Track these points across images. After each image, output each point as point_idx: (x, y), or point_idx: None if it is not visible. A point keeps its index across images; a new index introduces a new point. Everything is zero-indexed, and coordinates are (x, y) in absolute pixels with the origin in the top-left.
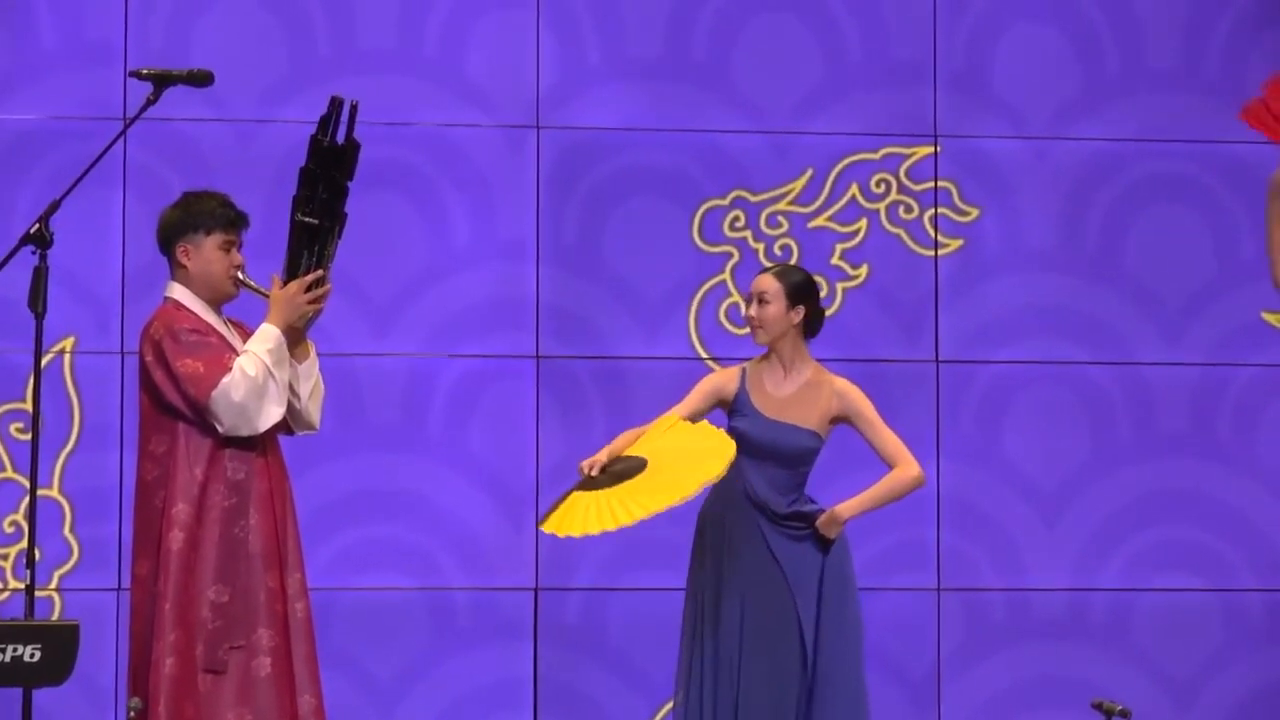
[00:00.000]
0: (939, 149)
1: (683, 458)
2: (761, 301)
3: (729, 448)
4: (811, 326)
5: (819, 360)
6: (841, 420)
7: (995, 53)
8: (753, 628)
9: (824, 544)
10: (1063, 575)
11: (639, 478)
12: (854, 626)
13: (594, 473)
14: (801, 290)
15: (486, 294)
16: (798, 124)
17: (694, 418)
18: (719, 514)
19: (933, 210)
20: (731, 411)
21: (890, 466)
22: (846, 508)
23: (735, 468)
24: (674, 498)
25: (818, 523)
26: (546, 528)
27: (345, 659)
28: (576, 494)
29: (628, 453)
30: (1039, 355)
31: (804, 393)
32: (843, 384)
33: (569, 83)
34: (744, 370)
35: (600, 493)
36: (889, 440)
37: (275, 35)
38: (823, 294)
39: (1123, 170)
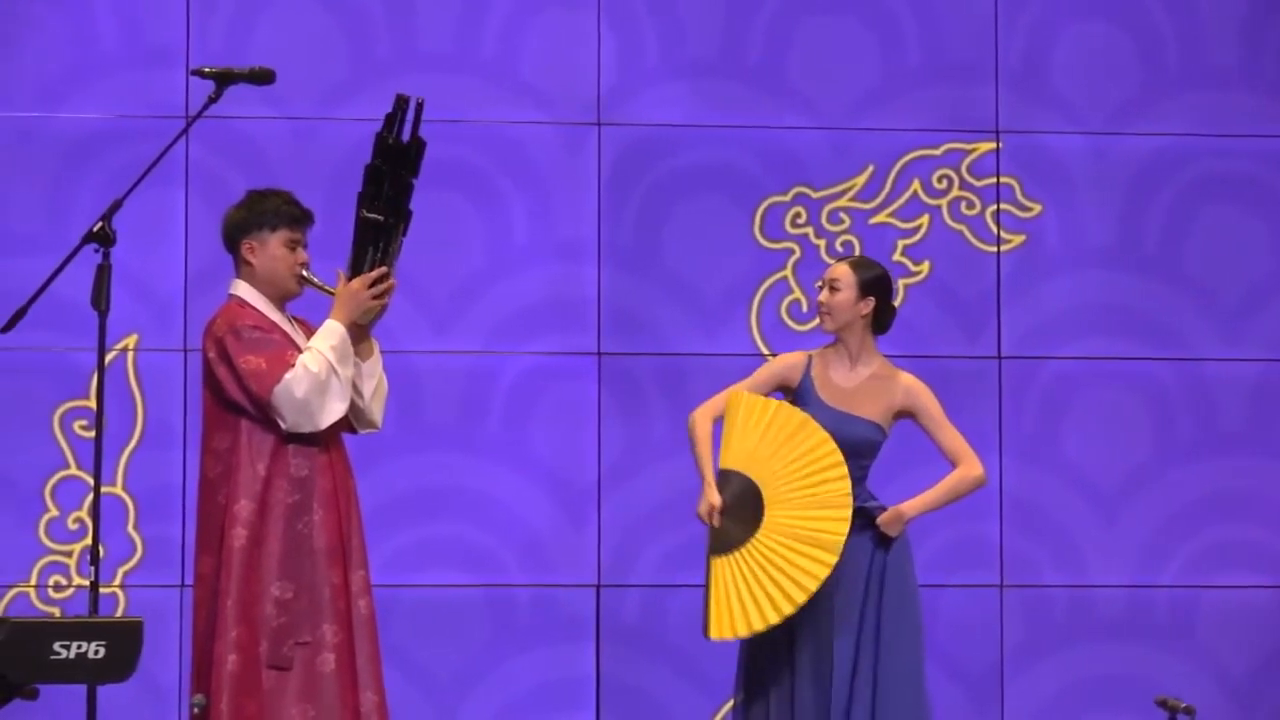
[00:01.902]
0: (1000, 145)
1: (782, 462)
2: (833, 289)
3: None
4: (880, 321)
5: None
6: (906, 415)
7: (1055, 49)
8: (799, 622)
9: (881, 542)
10: (1124, 573)
11: (769, 519)
12: (915, 631)
13: (716, 521)
14: (874, 284)
15: (547, 292)
16: (858, 120)
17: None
18: None
19: (995, 206)
20: (795, 399)
21: (953, 465)
22: (911, 506)
23: None
24: (824, 566)
25: (879, 520)
26: (714, 634)
27: (407, 656)
28: (717, 565)
29: (726, 465)
30: (1100, 352)
31: (870, 385)
32: (910, 379)
33: (628, 80)
34: (810, 358)
35: (744, 563)
36: (954, 439)
37: (335, 34)
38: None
39: (1183, 167)
